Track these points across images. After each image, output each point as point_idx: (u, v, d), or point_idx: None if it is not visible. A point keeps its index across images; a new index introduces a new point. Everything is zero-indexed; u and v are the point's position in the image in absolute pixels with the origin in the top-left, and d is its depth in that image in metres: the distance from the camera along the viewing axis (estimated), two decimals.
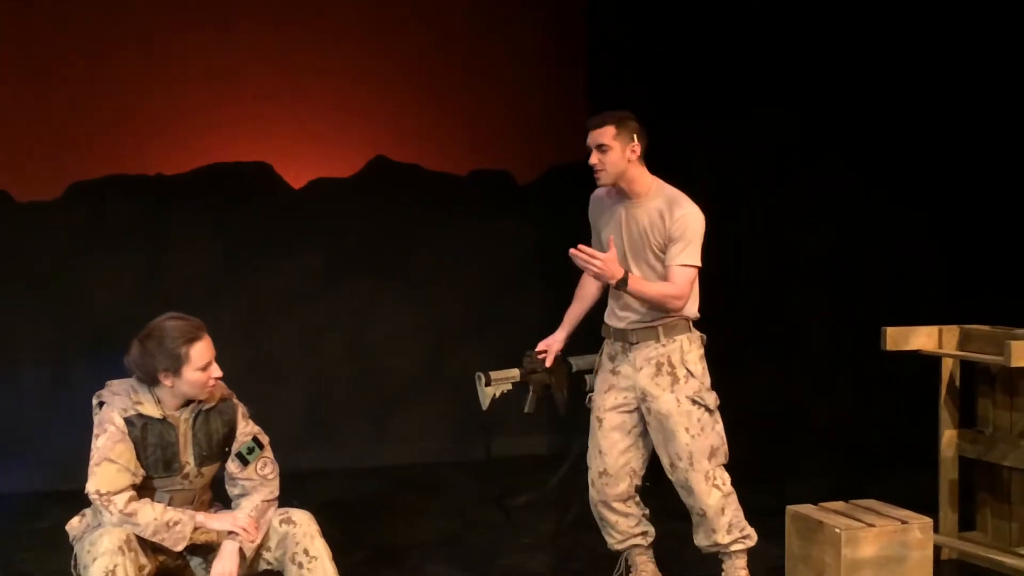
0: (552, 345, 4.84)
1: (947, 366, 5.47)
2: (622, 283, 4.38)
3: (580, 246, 4.37)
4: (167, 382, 3.84)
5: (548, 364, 4.81)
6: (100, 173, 7.04)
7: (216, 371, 3.89)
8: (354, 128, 7.47)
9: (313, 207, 7.43)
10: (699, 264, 4.50)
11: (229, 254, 7.30)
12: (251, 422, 4.05)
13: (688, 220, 4.46)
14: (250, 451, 4.00)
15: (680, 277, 4.46)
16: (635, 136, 4.50)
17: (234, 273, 7.30)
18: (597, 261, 4.31)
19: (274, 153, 7.35)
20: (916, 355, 5.53)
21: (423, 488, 6.98)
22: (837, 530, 4.80)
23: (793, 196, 7.39)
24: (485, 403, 4.77)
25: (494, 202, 7.75)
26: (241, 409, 4.04)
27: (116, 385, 3.92)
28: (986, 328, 5.40)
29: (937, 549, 5.17)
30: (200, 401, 3.93)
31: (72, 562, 3.94)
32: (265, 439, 4.05)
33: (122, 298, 6.94)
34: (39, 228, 6.96)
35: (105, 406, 3.87)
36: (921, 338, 5.49)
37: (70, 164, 6.97)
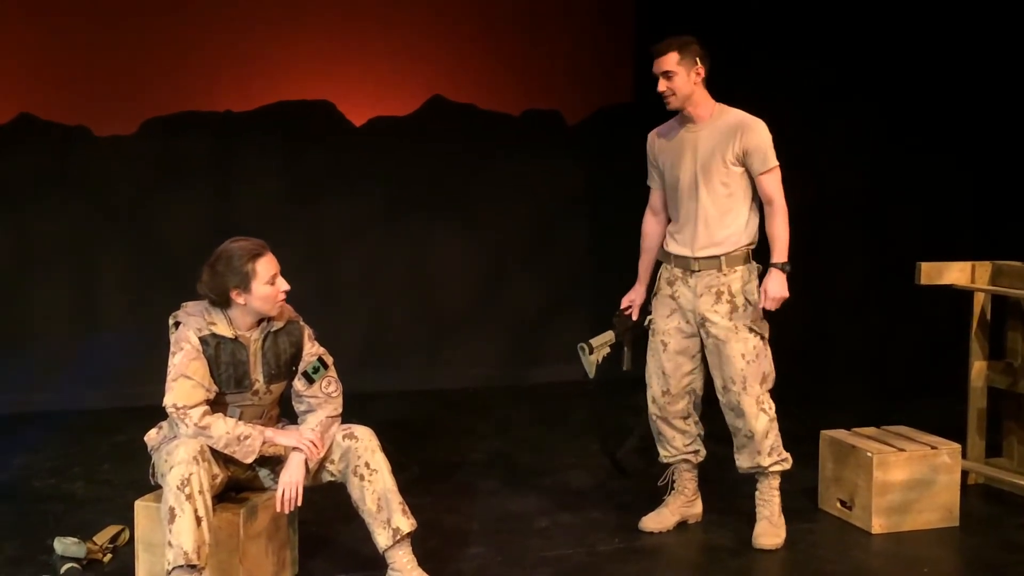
0: (636, 300, 4.81)
1: (979, 300, 5.36)
2: (785, 268, 4.41)
3: (764, 306, 4.44)
4: (239, 300, 3.83)
5: (635, 318, 4.79)
6: (173, 110, 7.02)
7: (283, 284, 3.87)
8: (413, 69, 7.38)
9: (373, 144, 7.37)
10: (777, 162, 4.48)
11: (294, 188, 7.27)
12: (316, 343, 4.03)
13: (759, 129, 4.46)
14: (315, 370, 3.99)
15: (772, 182, 4.46)
16: (698, 60, 4.44)
17: (299, 206, 7.27)
18: (774, 303, 4.41)
19: (336, 92, 7.29)
20: (945, 289, 5.43)
21: (473, 410, 6.98)
22: (869, 454, 4.77)
23: (829, 136, 7.26)
24: (591, 371, 4.77)
25: (545, 141, 7.66)
26: (307, 331, 4.03)
27: (191, 306, 3.92)
28: (1018, 264, 5.29)
29: (964, 474, 5.12)
30: (269, 321, 3.92)
31: (150, 470, 3.96)
32: (329, 359, 4.04)
33: (193, 228, 6.93)
34: (116, 161, 6.95)
35: (181, 326, 3.87)
36: (954, 273, 5.39)
37: (145, 101, 6.96)
